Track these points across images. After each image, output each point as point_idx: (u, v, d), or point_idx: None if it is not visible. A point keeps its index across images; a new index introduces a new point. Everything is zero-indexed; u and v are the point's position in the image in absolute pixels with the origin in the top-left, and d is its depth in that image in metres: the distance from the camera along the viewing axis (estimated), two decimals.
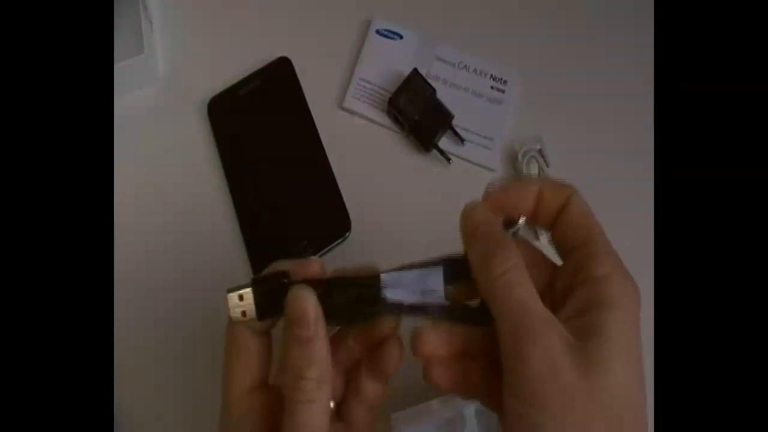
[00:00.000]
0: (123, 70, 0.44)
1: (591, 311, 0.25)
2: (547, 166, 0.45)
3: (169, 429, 0.41)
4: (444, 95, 0.46)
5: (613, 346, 0.24)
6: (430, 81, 0.46)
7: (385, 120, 0.46)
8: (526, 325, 0.24)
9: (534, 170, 0.45)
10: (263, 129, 0.46)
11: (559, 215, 0.28)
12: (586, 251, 0.26)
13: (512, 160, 0.46)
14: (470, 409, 0.36)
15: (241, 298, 0.27)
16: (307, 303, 0.26)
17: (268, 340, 0.29)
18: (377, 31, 0.48)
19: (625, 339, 0.24)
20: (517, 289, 0.25)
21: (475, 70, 0.47)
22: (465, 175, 0.45)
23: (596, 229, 0.27)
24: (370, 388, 0.30)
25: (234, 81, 0.46)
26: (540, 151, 0.45)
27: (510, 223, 0.28)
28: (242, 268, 0.43)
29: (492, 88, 0.47)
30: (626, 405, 0.24)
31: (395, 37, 0.48)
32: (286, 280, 0.27)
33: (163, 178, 0.45)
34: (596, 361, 0.24)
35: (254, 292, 0.27)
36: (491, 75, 0.47)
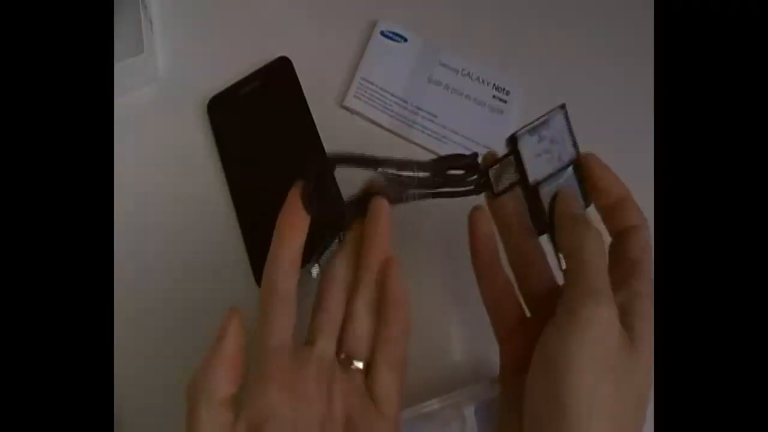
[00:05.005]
0: (123, 69, 0.44)
1: (631, 315, 0.29)
2: None
3: (169, 429, 0.41)
4: (445, 101, 0.46)
5: (644, 348, 0.28)
6: (432, 86, 0.47)
7: (386, 121, 0.46)
8: (598, 287, 0.29)
9: None
10: (263, 129, 0.46)
11: (623, 234, 0.33)
12: (634, 270, 0.31)
13: None
14: (470, 409, 0.36)
15: None
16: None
17: None
18: (382, 33, 0.48)
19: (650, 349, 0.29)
20: (598, 258, 0.30)
21: (478, 78, 0.47)
22: None
23: (647, 266, 0.31)
24: (391, 343, 0.32)
25: (234, 81, 0.46)
26: None
27: None
28: (242, 268, 0.43)
29: (494, 97, 0.47)
30: (644, 395, 0.29)
31: (400, 39, 0.48)
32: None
33: (162, 177, 0.45)
34: (634, 352, 0.28)
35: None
36: (494, 84, 0.47)
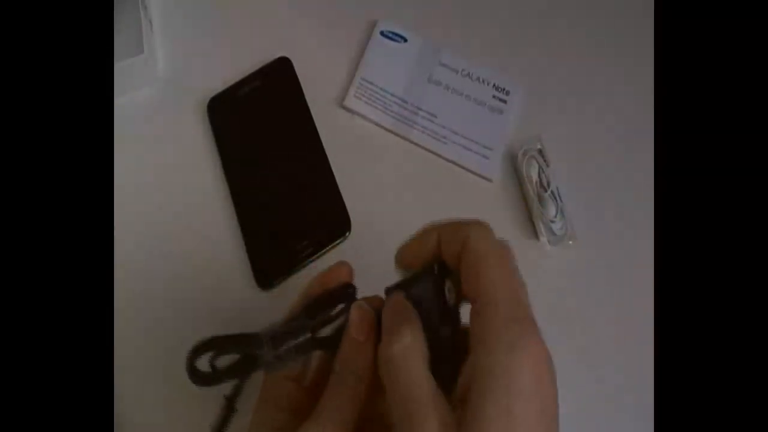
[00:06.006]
0: (123, 70, 0.44)
1: (471, 390, 0.23)
2: (547, 165, 0.45)
3: (169, 428, 0.41)
4: (445, 101, 0.47)
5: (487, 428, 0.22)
6: (432, 86, 0.47)
7: (386, 121, 0.46)
8: (408, 409, 0.24)
9: (534, 170, 0.45)
10: (263, 129, 0.46)
11: (460, 262, 0.26)
12: (474, 308, 0.25)
13: (512, 160, 0.46)
14: None
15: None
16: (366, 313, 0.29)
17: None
18: (382, 33, 0.48)
19: (503, 417, 0.22)
20: (404, 371, 0.25)
21: (478, 78, 0.47)
22: (462, 181, 0.46)
23: (488, 276, 0.25)
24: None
25: (234, 81, 0.46)
26: (540, 151, 0.45)
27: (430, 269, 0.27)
28: (242, 268, 0.43)
29: (494, 97, 0.47)
30: None
31: (399, 39, 0.48)
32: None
33: (162, 177, 0.45)
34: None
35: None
36: (494, 84, 0.47)
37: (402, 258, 0.29)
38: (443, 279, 0.27)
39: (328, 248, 0.43)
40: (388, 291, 0.29)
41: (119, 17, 0.45)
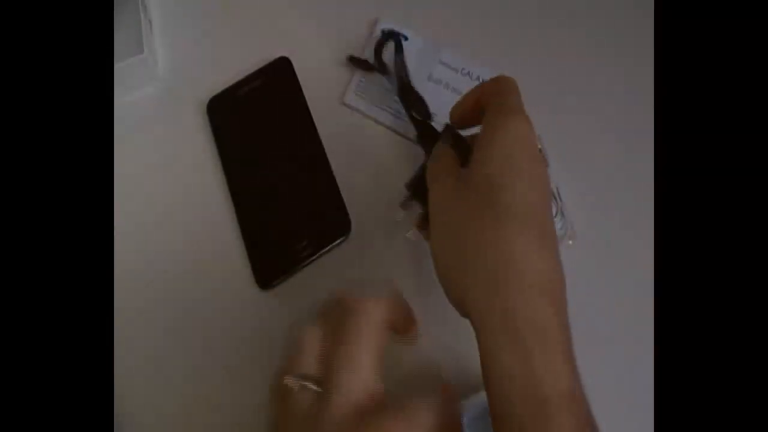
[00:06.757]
0: (123, 70, 0.44)
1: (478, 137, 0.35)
2: (547, 165, 0.45)
3: (169, 429, 0.41)
4: (445, 100, 0.46)
5: (488, 147, 0.34)
6: (432, 84, 0.47)
7: (386, 119, 0.46)
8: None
9: None
10: (263, 129, 0.46)
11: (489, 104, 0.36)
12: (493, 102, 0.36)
13: None
14: (464, 418, 0.36)
15: None
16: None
17: None
18: (382, 32, 0.48)
19: (499, 143, 0.34)
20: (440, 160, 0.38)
21: (478, 77, 0.47)
22: None
23: (510, 96, 0.36)
24: None
25: (234, 81, 0.46)
26: (540, 151, 0.45)
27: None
28: (242, 268, 0.43)
29: None
30: (490, 188, 0.32)
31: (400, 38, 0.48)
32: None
33: (162, 177, 0.45)
34: (472, 161, 0.34)
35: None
36: None
37: (452, 115, 0.40)
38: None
39: (328, 248, 0.43)
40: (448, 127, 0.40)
41: (119, 17, 0.45)
